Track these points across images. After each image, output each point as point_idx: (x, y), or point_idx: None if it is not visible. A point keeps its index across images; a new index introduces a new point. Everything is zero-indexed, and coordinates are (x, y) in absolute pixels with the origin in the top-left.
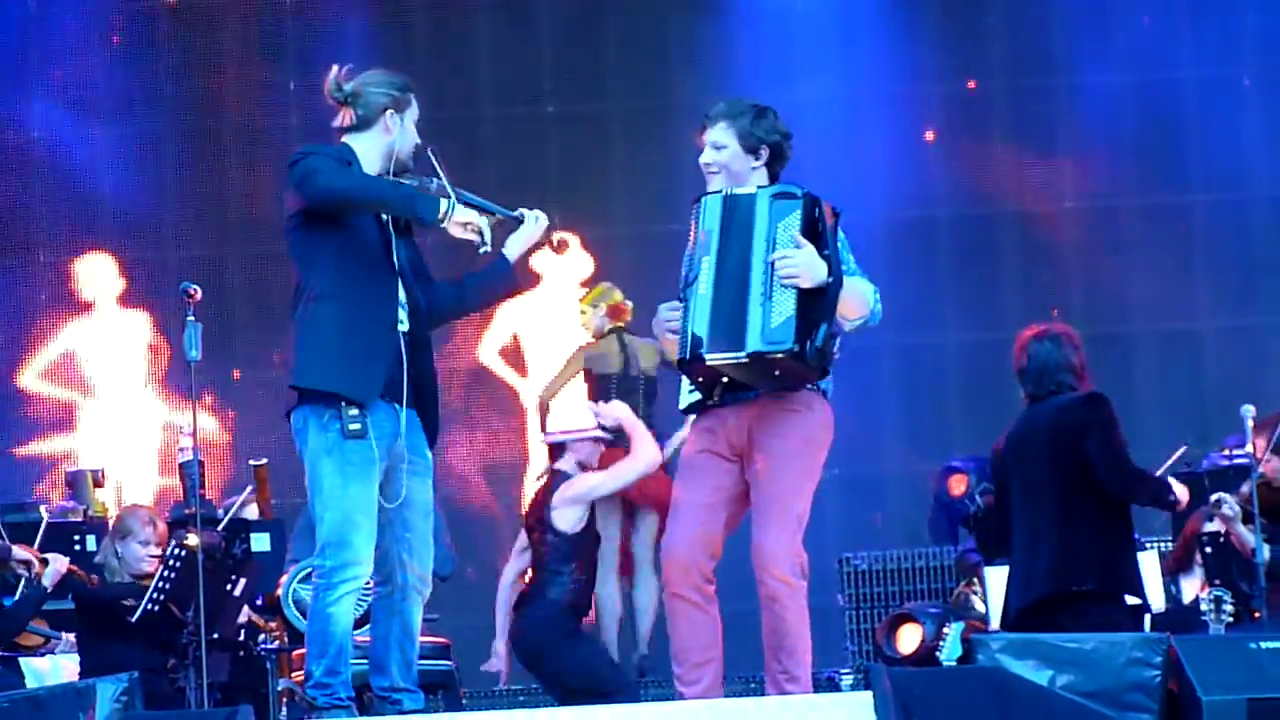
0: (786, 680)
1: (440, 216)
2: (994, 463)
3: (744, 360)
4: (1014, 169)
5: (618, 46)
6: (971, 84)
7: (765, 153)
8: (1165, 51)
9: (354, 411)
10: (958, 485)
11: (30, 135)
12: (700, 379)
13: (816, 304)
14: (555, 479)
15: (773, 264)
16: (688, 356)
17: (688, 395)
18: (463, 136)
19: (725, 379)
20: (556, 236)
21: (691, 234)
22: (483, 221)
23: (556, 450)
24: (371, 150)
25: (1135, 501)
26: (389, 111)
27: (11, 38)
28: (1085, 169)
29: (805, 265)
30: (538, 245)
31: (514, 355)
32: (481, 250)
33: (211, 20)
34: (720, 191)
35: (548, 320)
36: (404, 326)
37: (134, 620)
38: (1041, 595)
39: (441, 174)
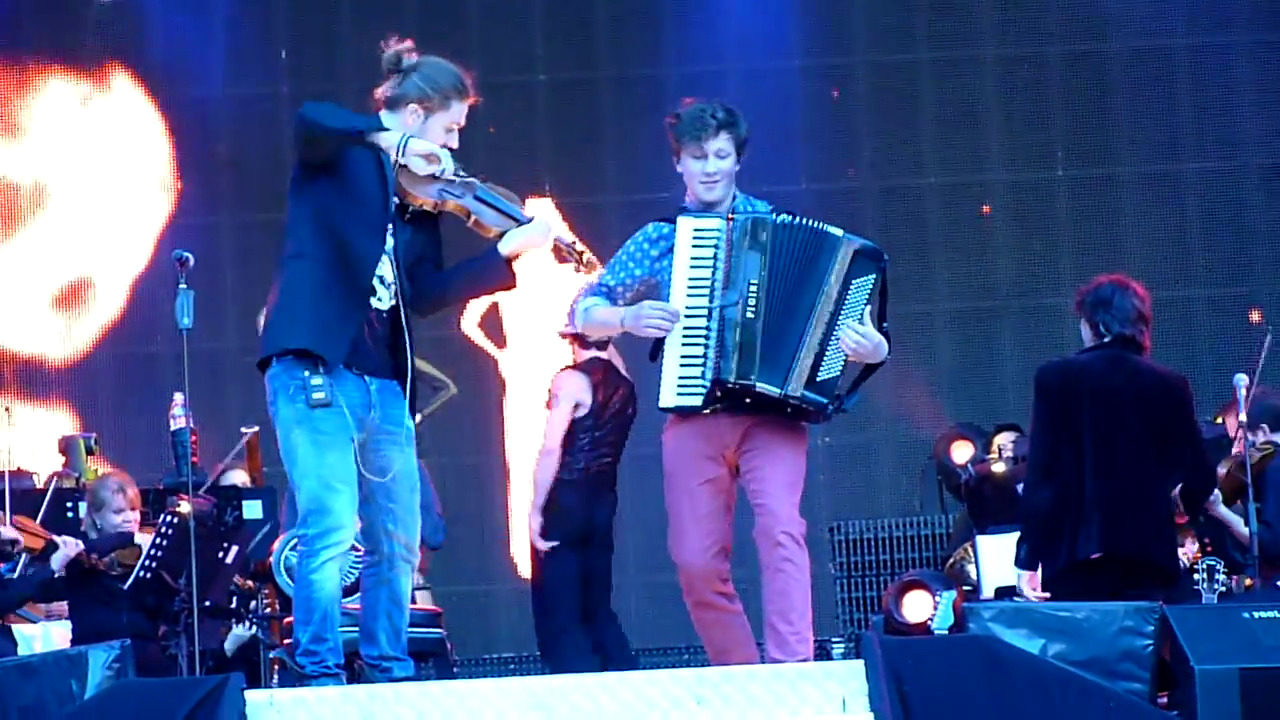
0: (797, 640)
1: (389, 149)
2: (1052, 384)
3: (779, 397)
4: (1004, 138)
5: (607, 18)
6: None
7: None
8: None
9: (318, 381)
10: (962, 451)
11: None
12: (719, 394)
13: (860, 371)
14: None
15: (840, 326)
16: (723, 376)
17: (676, 396)
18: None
19: (743, 400)
20: (586, 256)
21: (725, 242)
22: (443, 153)
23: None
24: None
25: (1201, 493)
26: (413, 105)
27: None
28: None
29: (871, 351)
30: (565, 254)
31: (494, 326)
32: (440, 171)
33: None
34: (773, 215)
35: (525, 290)
36: (383, 304)
37: (126, 587)
38: (1128, 553)
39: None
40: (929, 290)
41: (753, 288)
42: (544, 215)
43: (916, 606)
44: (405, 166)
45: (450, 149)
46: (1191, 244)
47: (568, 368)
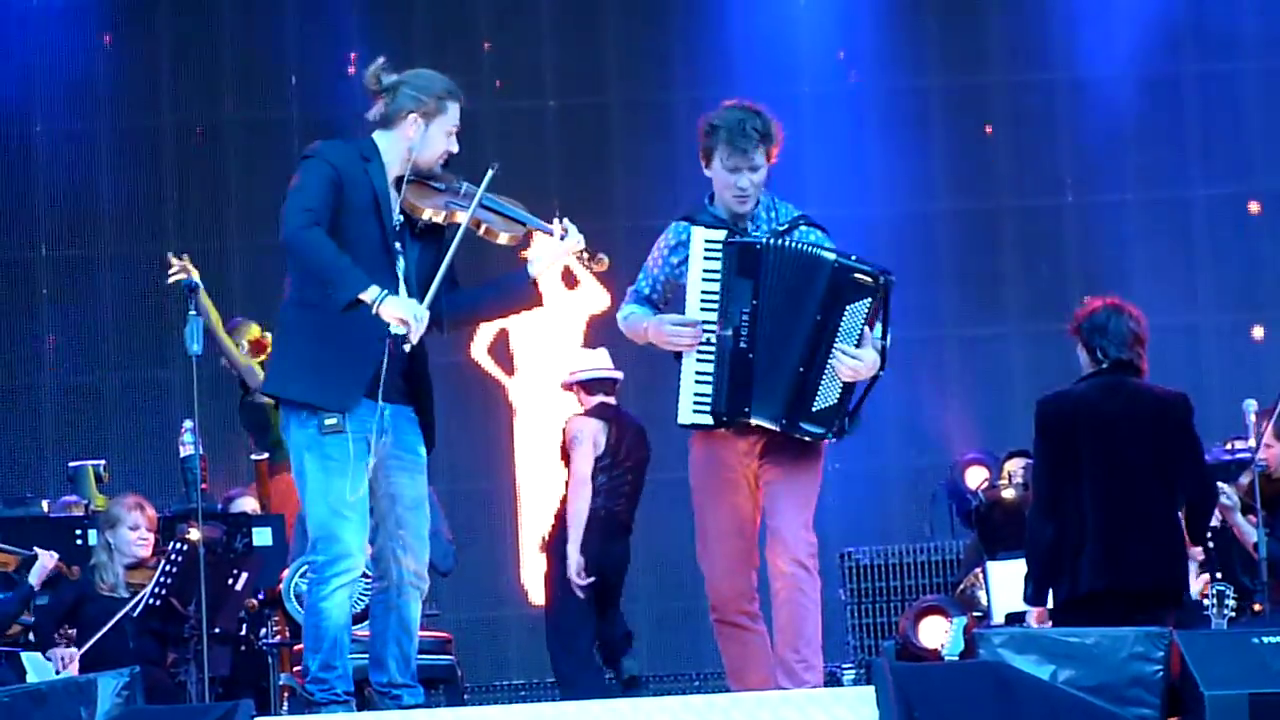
0: (805, 669)
1: (369, 303)
2: (1050, 418)
3: (777, 430)
4: (1013, 163)
5: (617, 43)
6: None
7: None
8: None
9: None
10: (976, 476)
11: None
12: (724, 419)
13: (859, 391)
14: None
15: (835, 354)
16: (723, 409)
17: (691, 414)
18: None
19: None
20: (598, 254)
21: (714, 267)
22: (413, 315)
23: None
24: (392, 150)
25: (1202, 515)
26: (412, 115)
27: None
28: (1085, 164)
29: (866, 369)
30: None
31: (503, 353)
32: (404, 346)
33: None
34: (760, 237)
35: (536, 316)
36: (401, 330)
37: (135, 614)
38: (1136, 585)
39: (484, 185)
40: (938, 316)
41: (744, 318)
42: (569, 229)
43: (933, 631)
44: (412, 183)
45: (452, 153)
46: (1199, 270)
47: (578, 414)
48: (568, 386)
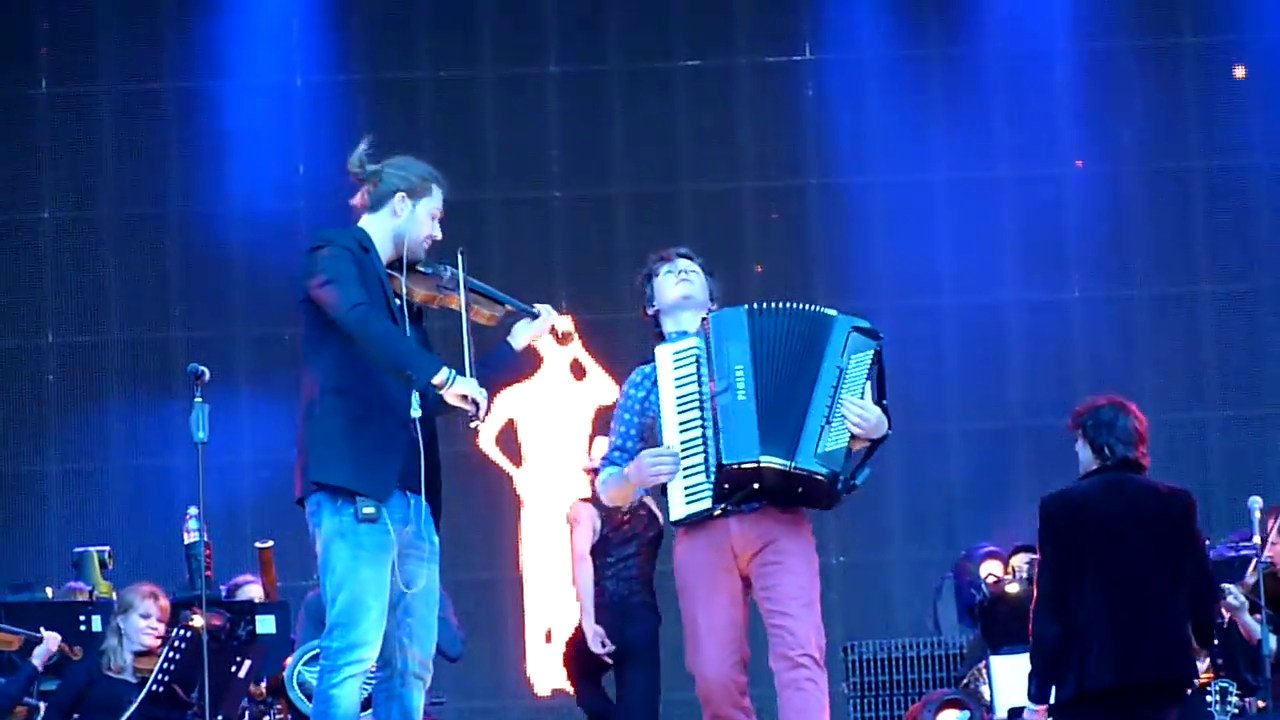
0: None
1: (439, 385)
2: (1054, 516)
3: (788, 470)
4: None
5: (623, 133)
6: None
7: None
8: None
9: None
10: (990, 570)
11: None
12: (726, 485)
13: (865, 448)
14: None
15: (842, 399)
16: (739, 460)
17: (685, 506)
18: (470, 219)
19: (751, 486)
20: (562, 328)
21: (705, 349)
22: (480, 396)
23: None
24: (381, 233)
25: (1205, 612)
26: (400, 195)
27: None
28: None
29: (874, 425)
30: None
31: (510, 444)
32: (472, 424)
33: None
34: (748, 304)
35: (544, 407)
36: (417, 413)
37: (137, 705)
38: (1146, 679)
39: (460, 268)
40: (942, 410)
41: (739, 371)
42: (546, 306)
43: None
44: (411, 266)
45: (435, 239)
46: (1206, 365)
47: (580, 499)
48: (588, 471)
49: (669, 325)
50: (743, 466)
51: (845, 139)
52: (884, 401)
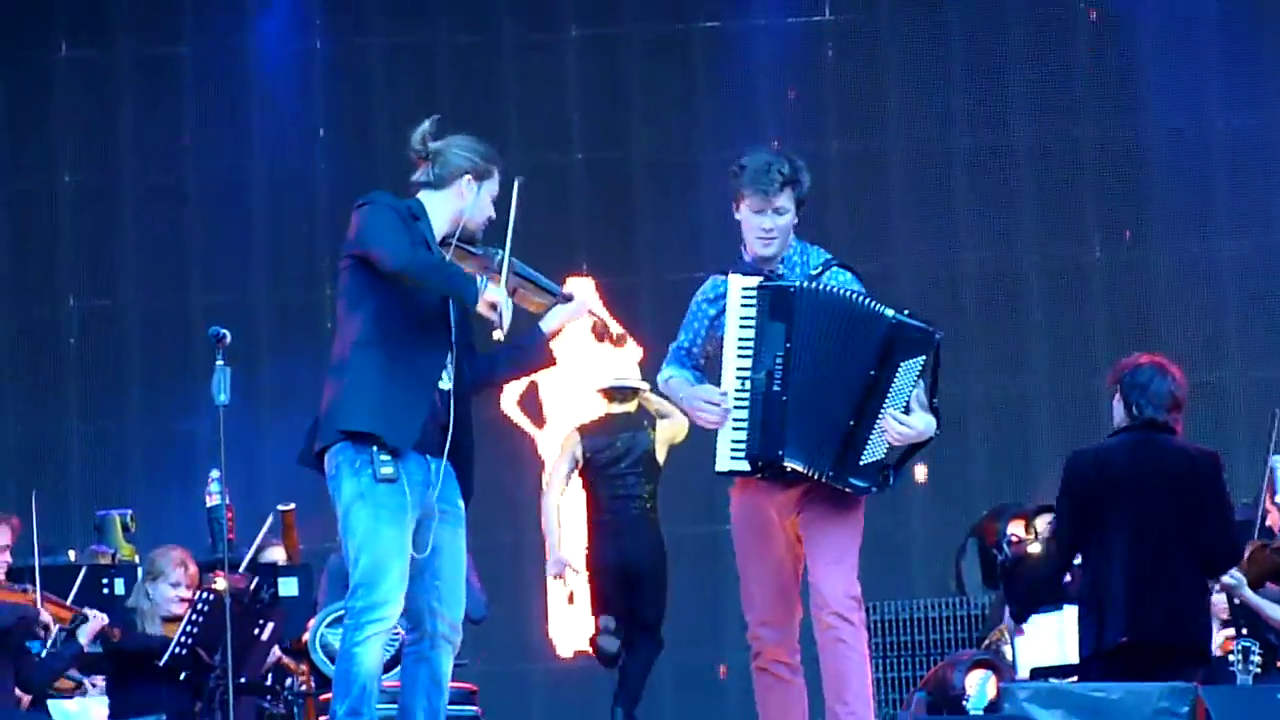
0: None
1: (480, 289)
2: (1080, 472)
3: (819, 477)
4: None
5: (643, 97)
6: None
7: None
8: None
9: (385, 456)
10: (1014, 529)
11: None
12: (760, 464)
13: (906, 450)
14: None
15: (884, 414)
16: (758, 453)
17: (729, 461)
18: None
19: (783, 471)
20: (616, 331)
21: (750, 314)
22: (506, 304)
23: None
24: (441, 211)
25: (1221, 565)
26: (467, 177)
27: None
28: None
29: (917, 436)
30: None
31: (533, 406)
32: (495, 333)
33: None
34: (794, 281)
35: (564, 369)
36: (446, 385)
37: (162, 664)
38: (1157, 640)
39: (508, 246)
40: (963, 372)
41: (778, 361)
42: (579, 291)
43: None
44: (456, 247)
45: (492, 219)
46: (1226, 326)
47: (576, 427)
48: (601, 391)
49: (750, 246)
50: (770, 461)
51: (865, 101)
52: (935, 401)
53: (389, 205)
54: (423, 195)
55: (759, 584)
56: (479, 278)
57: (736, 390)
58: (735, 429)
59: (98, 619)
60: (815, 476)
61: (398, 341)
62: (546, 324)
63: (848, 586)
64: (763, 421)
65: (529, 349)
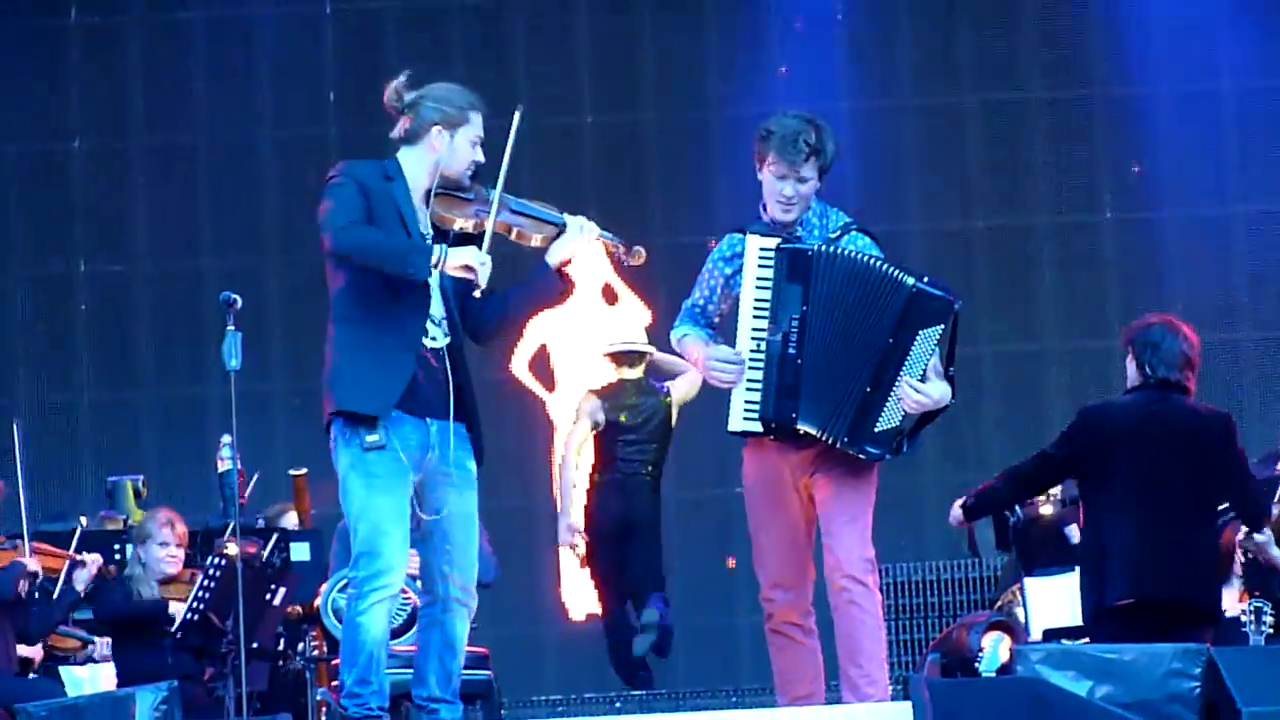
0: (867, 683)
1: (435, 264)
2: (1091, 425)
3: (832, 442)
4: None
5: (655, 58)
6: None
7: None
8: None
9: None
10: None
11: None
12: (772, 427)
13: (920, 418)
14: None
15: (900, 381)
16: (771, 415)
17: (742, 421)
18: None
19: (796, 434)
20: (633, 247)
21: (767, 275)
22: (478, 261)
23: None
24: (417, 165)
25: (1251, 523)
26: (437, 128)
27: None
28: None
29: (933, 403)
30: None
31: (543, 369)
32: (475, 292)
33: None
34: (812, 245)
35: (575, 331)
36: (438, 343)
37: (174, 629)
38: (1165, 598)
39: (499, 188)
40: (975, 333)
41: (793, 324)
42: (579, 218)
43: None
44: (441, 195)
45: (479, 163)
46: (1237, 286)
47: (590, 389)
48: (609, 355)
49: (770, 209)
50: (782, 423)
51: (875, 61)
52: (951, 370)
53: (349, 179)
54: (400, 153)
55: (772, 545)
56: (438, 248)
57: (751, 351)
58: (750, 390)
59: (93, 560)
60: (829, 441)
61: (373, 309)
62: (552, 257)
63: (862, 549)
64: (777, 384)
65: (539, 285)
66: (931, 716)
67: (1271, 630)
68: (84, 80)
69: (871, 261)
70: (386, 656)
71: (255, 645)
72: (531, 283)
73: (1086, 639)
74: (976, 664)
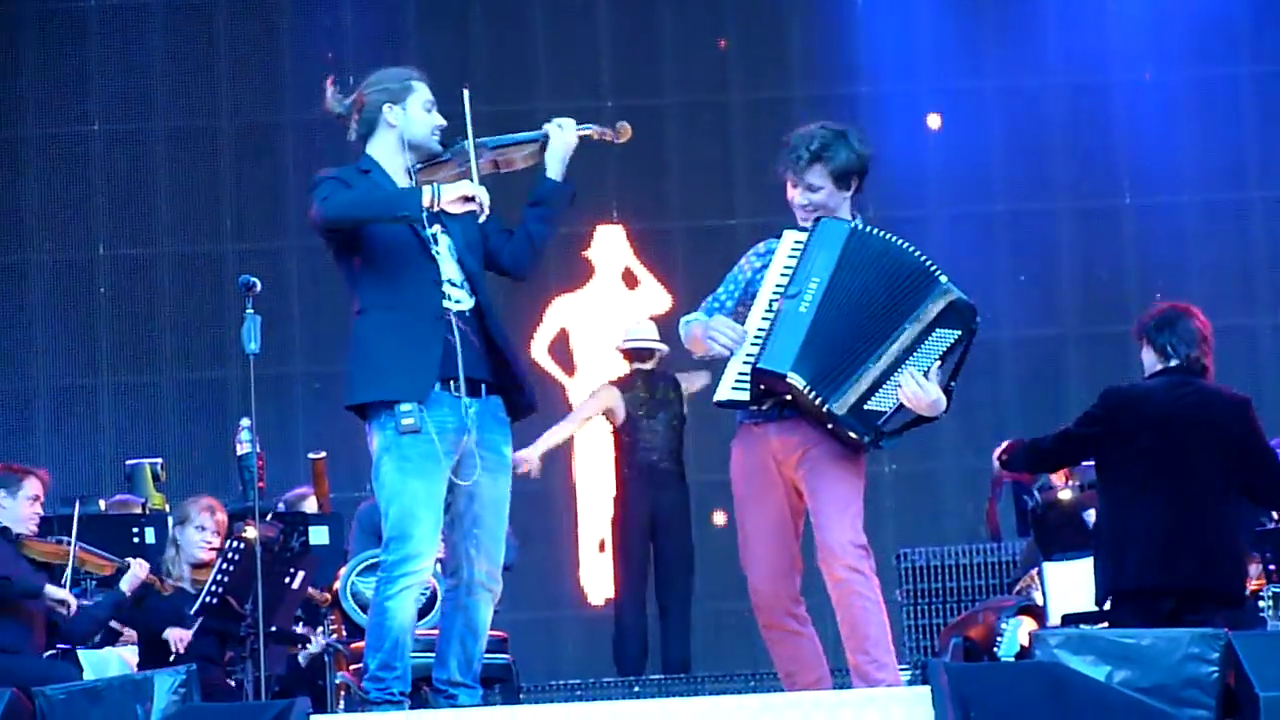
0: (877, 669)
1: (429, 205)
2: (1114, 406)
3: (821, 409)
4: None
5: (673, 42)
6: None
7: (855, 181)
8: None
9: (407, 407)
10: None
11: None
12: (761, 386)
13: (912, 417)
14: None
15: (906, 368)
16: (769, 367)
17: (730, 391)
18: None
19: (784, 396)
20: (618, 123)
21: (790, 262)
22: (477, 190)
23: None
24: (385, 148)
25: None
26: (386, 105)
27: None
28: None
29: (927, 406)
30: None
31: (563, 353)
32: (481, 218)
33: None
34: (856, 224)
35: (596, 317)
36: (463, 305)
37: (192, 613)
38: (1189, 585)
39: (469, 129)
40: (995, 317)
41: (814, 284)
42: (553, 122)
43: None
44: (422, 169)
45: (440, 125)
46: (1256, 271)
47: (610, 381)
48: (621, 350)
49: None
50: (770, 370)
51: (894, 46)
52: (951, 384)
53: (328, 178)
54: (367, 148)
55: (757, 537)
56: (428, 187)
57: (763, 313)
58: (746, 362)
59: (141, 567)
60: (813, 399)
61: (384, 293)
62: (552, 167)
63: (854, 536)
64: (777, 335)
65: (549, 199)
66: (950, 701)
67: None
68: (104, 63)
69: (908, 247)
70: (411, 642)
71: (274, 629)
72: (542, 201)
73: (1105, 624)
74: (994, 649)
